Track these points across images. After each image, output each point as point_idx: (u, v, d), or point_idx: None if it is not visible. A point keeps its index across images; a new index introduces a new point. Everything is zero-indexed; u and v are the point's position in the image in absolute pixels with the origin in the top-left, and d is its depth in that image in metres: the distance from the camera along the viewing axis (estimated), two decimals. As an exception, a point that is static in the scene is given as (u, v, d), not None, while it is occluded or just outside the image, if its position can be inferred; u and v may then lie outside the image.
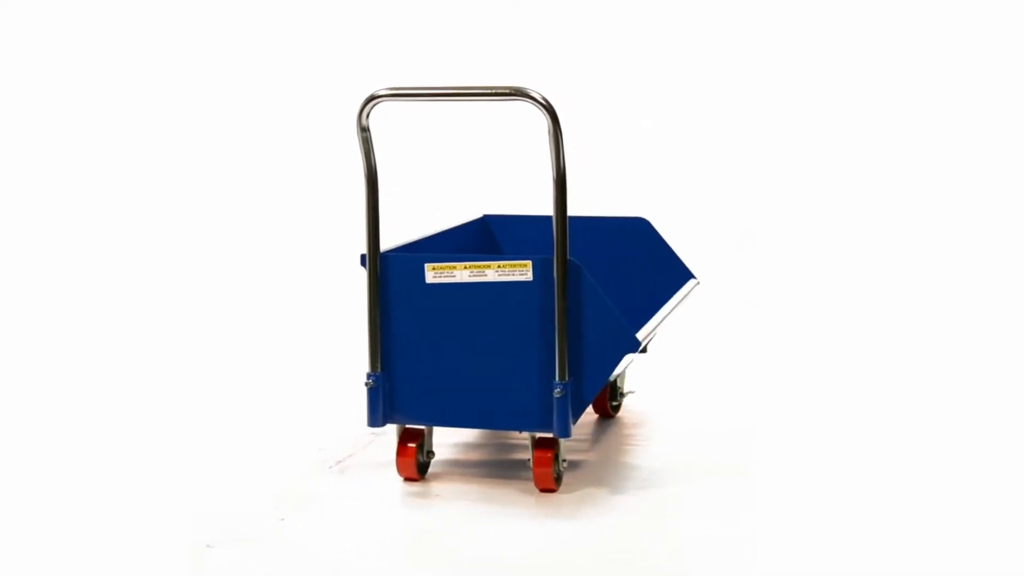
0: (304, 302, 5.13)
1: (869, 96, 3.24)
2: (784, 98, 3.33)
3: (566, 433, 3.09)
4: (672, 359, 4.19)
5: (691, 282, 3.75)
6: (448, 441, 3.57)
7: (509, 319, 3.10)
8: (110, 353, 3.05)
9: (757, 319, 4.33)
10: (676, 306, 3.50)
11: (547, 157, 3.05)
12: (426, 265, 3.14)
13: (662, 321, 3.35)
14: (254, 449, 3.61)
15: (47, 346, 2.94)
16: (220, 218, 5.61)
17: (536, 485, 3.19)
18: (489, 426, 3.28)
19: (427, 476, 3.32)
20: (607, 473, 3.36)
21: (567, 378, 3.05)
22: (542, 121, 2.99)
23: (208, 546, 2.90)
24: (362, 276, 3.19)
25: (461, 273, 3.12)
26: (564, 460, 3.23)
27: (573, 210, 3.91)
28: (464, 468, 3.40)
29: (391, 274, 3.16)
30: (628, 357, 3.70)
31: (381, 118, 5.08)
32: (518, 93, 2.98)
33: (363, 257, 3.18)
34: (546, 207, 3.88)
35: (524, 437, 3.45)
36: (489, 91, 3.07)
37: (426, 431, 3.30)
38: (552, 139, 2.98)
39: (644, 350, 3.84)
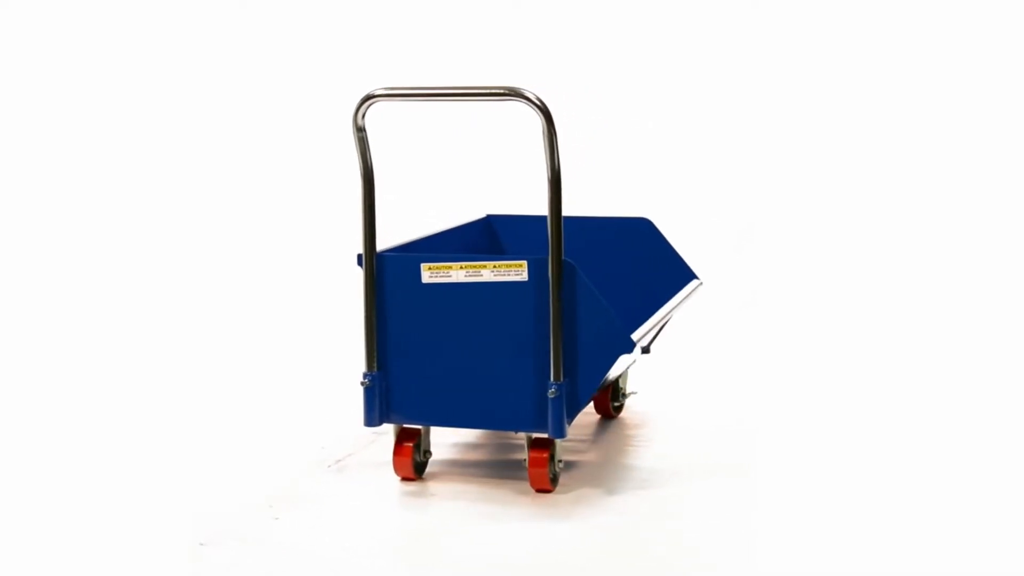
0: (305, 302, 5.13)
1: (870, 96, 3.22)
2: (785, 98, 3.32)
3: (561, 434, 3.09)
4: (674, 359, 4.18)
5: (693, 283, 3.73)
6: (447, 441, 3.57)
7: (505, 319, 3.10)
8: (108, 353, 3.06)
9: (759, 319, 4.32)
10: (675, 307, 3.49)
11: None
12: (422, 265, 3.14)
13: (659, 322, 3.34)
14: (254, 448, 3.62)
15: (45, 345, 2.95)
16: (217, 218, 5.62)
17: (532, 485, 3.19)
18: (485, 426, 3.28)
19: (424, 476, 3.33)
20: (607, 473, 3.35)
21: (562, 379, 3.05)
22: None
23: (201, 544, 2.91)
24: (360, 276, 3.20)
25: (457, 273, 3.12)
26: (560, 461, 3.23)
27: (576, 210, 3.92)
28: (462, 468, 3.40)
29: (387, 274, 3.17)
30: (630, 357, 3.70)
31: (387, 118, 5.10)
32: (513, 93, 2.98)
33: (360, 257, 3.19)
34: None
35: (522, 437, 3.44)
36: (484, 91, 3.08)
37: (423, 431, 3.30)
38: (546, 139, 2.98)
39: (647, 350, 3.83)
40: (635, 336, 3.09)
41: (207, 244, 5.34)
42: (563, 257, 3.03)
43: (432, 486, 3.27)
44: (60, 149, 2.94)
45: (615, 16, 5.69)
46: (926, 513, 2.85)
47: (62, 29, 2.96)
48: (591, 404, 3.84)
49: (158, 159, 3.11)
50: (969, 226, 3.26)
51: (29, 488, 3.08)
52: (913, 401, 3.32)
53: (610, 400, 3.80)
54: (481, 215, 4.01)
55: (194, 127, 5.27)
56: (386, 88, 3.10)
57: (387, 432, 3.47)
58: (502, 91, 3.00)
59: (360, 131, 3.14)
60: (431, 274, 3.13)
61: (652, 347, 3.85)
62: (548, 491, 3.18)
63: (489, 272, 3.10)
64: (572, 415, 3.11)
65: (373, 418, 3.20)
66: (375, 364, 3.19)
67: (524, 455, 3.20)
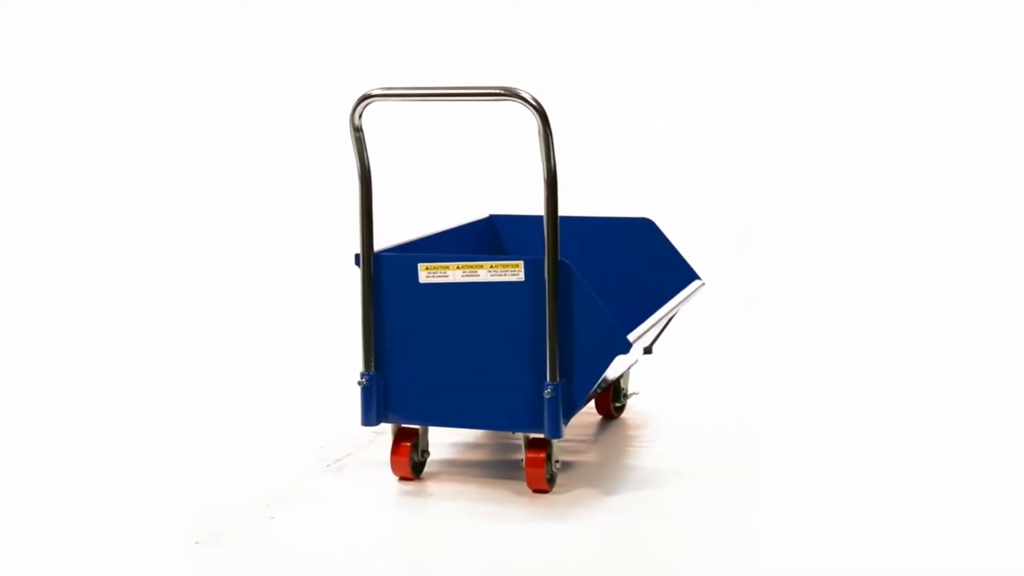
0: (305, 301, 5.14)
1: (871, 96, 3.20)
2: (787, 97, 3.30)
3: (557, 434, 3.09)
4: (676, 360, 4.17)
5: (695, 283, 3.73)
6: (445, 441, 3.57)
7: (501, 319, 3.10)
8: (107, 352, 3.07)
9: (760, 319, 4.31)
10: (674, 308, 3.48)
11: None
12: (419, 265, 3.15)
13: (656, 322, 3.34)
14: (253, 447, 3.63)
15: (43, 344, 2.96)
16: (215, 218, 5.64)
17: (528, 486, 3.19)
18: (481, 426, 3.28)
19: (423, 476, 3.33)
20: (607, 474, 3.35)
21: (558, 379, 3.05)
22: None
23: (197, 543, 2.92)
24: (358, 276, 3.21)
25: (454, 273, 3.12)
26: (557, 461, 3.22)
27: (579, 210, 3.91)
28: (460, 468, 3.41)
29: (384, 274, 3.17)
30: (630, 358, 3.69)
31: (395, 118, 5.11)
32: (508, 93, 2.98)
33: (357, 256, 3.19)
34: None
35: (520, 437, 3.44)
36: (480, 91, 3.08)
37: (421, 431, 3.31)
38: (542, 139, 2.98)
39: (649, 351, 3.83)
40: (631, 336, 3.09)
41: (205, 244, 5.36)
42: (559, 257, 3.03)
43: (430, 486, 3.28)
44: (58, 149, 2.96)
45: (619, 16, 5.69)
46: (927, 513, 2.84)
47: (60, 29, 2.97)
48: (592, 405, 3.84)
49: (155, 159, 3.12)
50: (970, 226, 3.25)
51: (28, 486, 3.09)
52: (915, 401, 3.31)
53: (611, 400, 3.79)
54: (484, 215, 4.01)
55: (191, 127, 5.29)
56: (383, 88, 3.11)
57: (387, 432, 3.48)
58: (498, 91, 3.00)
59: (357, 131, 3.15)
60: (428, 274, 3.14)
61: (654, 347, 3.85)
62: (545, 491, 3.18)
63: (486, 272, 3.10)
64: (568, 416, 3.11)
65: (370, 418, 3.20)
66: (372, 364, 3.19)
67: (522, 455, 3.20)
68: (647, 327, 3.24)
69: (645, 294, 3.71)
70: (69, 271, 3.03)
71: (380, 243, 3.32)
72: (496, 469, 3.39)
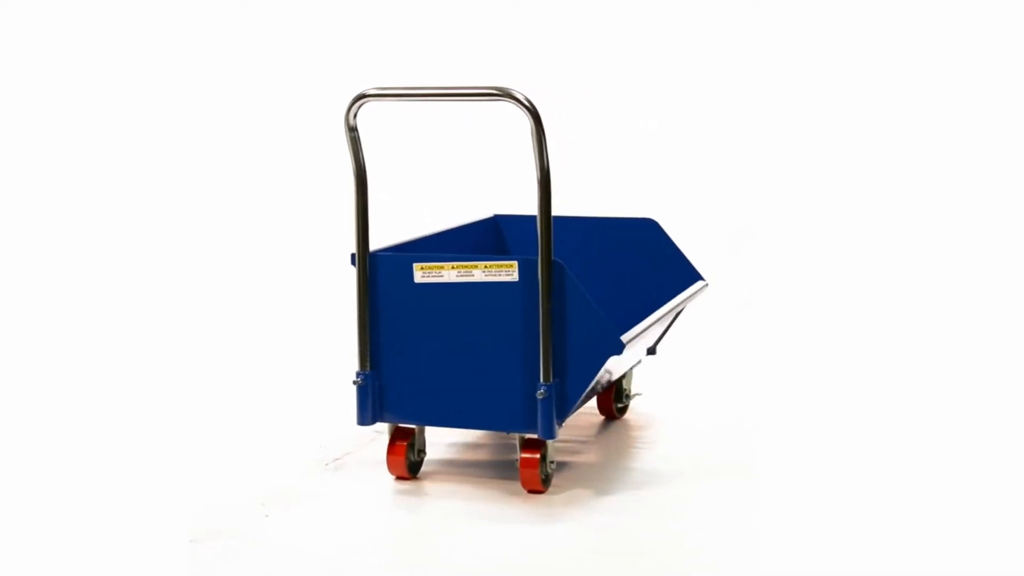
0: (305, 301, 5.15)
1: (870, 96, 3.19)
2: (788, 97, 3.29)
3: (550, 435, 3.08)
4: (678, 360, 4.16)
5: (698, 283, 3.71)
6: (443, 441, 3.57)
7: (495, 320, 3.10)
8: (105, 352, 3.09)
9: (762, 319, 4.29)
10: (673, 309, 3.47)
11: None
12: (414, 265, 3.15)
13: (654, 323, 3.33)
14: (252, 446, 3.64)
15: (40, 343, 2.98)
16: (219, 217, 5.66)
17: (523, 486, 3.18)
18: (476, 426, 3.28)
19: (420, 475, 3.33)
20: (608, 474, 3.34)
21: (551, 379, 3.04)
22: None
23: (191, 541, 2.93)
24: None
25: (449, 273, 3.12)
26: (552, 462, 3.22)
27: (582, 211, 3.91)
28: (458, 468, 3.41)
29: (380, 273, 3.18)
30: (633, 358, 3.68)
31: (400, 118, 5.11)
32: (502, 94, 2.98)
33: (353, 256, 3.20)
34: (560, 207, 3.88)
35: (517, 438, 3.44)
36: (474, 92, 3.08)
37: (417, 430, 3.31)
38: (535, 139, 2.98)
39: (653, 351, 3.82)
40: (626, 337, 3.08)
41: (202, 244, 5.37)
42: (553, 257, 3.03)
43: (426, 485, 3.28)
44: (55, 148, 2.98)
45: (623, 16, 5.68)
46: (929, 514, 2.82)
47: (57, 28, 2.99)
48: (595, 405, 3.83)
49: (150, 158, 3.13)
50: (970, 226, 3.22)
51: (25, 485, 3.11)
52: (916, 401, 3.29)
53: (613, 401, 3.78)
54: (488, 215, 4.01)
55: (186, 127, 5.31)
56: (378, 88, 3.12)
57: (387, 431, 3.48)
58: (491, 92, 3.00)
59: (352, 131, 3.15)
60: (423, 274, 3.14)
61: (658, 348, 3.84)
62: (539, 492, 3.18)
63: (480, 272, 3.10)
64: (562, 416, 3.11)
65: (366, 417, 3.21)
66: (368, 363, 3.20)
67: (519, 455, 3.20)
68: (642, 328, 3.23)
69: (648, 295, 3.70)
70: (67, 271, 3.05)
71: (384, 242, 3.33)
72: (494, 469, 3.39)
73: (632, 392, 3.87)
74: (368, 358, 3.19)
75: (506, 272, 3.07)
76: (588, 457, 3.51)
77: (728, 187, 5.45)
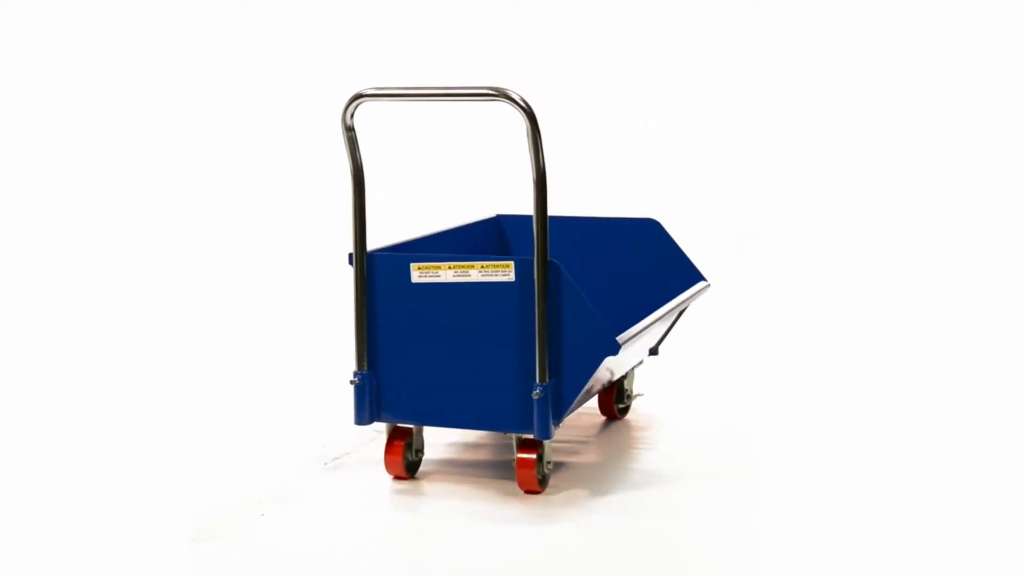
0: (305, 301, 5.16)
1: (873, 96, 3.17)
2: (792, 97, 3.28)
3: (546, 435, 3.08)
4: (680, 361, 4.15)
5: (700, 284, 3.70)
6: (442, 441, 3.57)
7: (492, 320, 3.10)
8: (103, 351, 3.10)
9: (764, 320, 4.28)
10: (672, 310, 3.46)
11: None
12: (411, 265, 3.15)
13: (651, 324, 3.32)
14: (251, 446, 3.65)
15: (38, 343, 2.99)
16: (226, 217, 5.67)
17: (520, 487, 3.18)
18: (473, 426, 3.28)
19: (418, 475, 3.33)
20: (609, 475, 3.34)
21: (547, 380, 3.04)
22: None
23: (194, 540, 2.94)
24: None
25: (445, 273, 3.13)
26: (549, 462, 3.22)
27: (584, 211, 3.90)
28: (456, 468, 3.41)
29: (377, 273, 3.18)
30: (635, 359, 3.68)
31: (405, 118, 5.11)
32: (498, 94, 2.98)
33: (351, 256, 3.20)
34: (561, 207, 3.88)
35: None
36: (470, 92, 3.08)
37: (415, 430, 3.31)
38: (530, 139, 2.98)
39: (655, 352, 3.81)
40: (622, 338, 3.07)
41: (200, 244, 5.38)
42: (549, 258, 3.02)
43: (424, 485, 3.28)
44: (53, 148, 2.99)
45: (627, 17, 5.67)
46: (931, 514, 2.81)
47: (56, 28, 3.00)
48: (596, 406, 3.82)
49: (147, 158, 3.14)
50: (972, 227, 3.21)
51: (23, 484, 3.12)
52: (919, 402, 3.27)
53: (615, 402, 3.78)
54: (491, 215, 4.01)
55: (184, 126, 5.32)
56: (375, 88, 3.12)
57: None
58: (487, 92, 3.00)
59: (349, 130, 3.16)
60: (420, 274, 3.14)
61: (659, 349, 3.83)
62: (536, 492, 3.17)
63: (477, 272, 3.10)
64: (559, 417, 3.10)
65: (363, 417, 3.21)
66: (365, 363, 3.20)
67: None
68: (640, 328, 3.23)
69: (650, 295, 3.69)
70: (64, 270, 3.06)
71: (386, 242, 3.33)
72: (493, 469, 3.39)
73: (634, 393, 3.86)
74: (365, 358, 3.20)
75: (502, 272, 3.07)
76: (589, 457, 3.50)
77: (731, 187, 5.44)
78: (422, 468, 3.36)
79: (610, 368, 3.35)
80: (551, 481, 3.25)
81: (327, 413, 3.83)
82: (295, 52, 5.89)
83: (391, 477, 3.31)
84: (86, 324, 2.92)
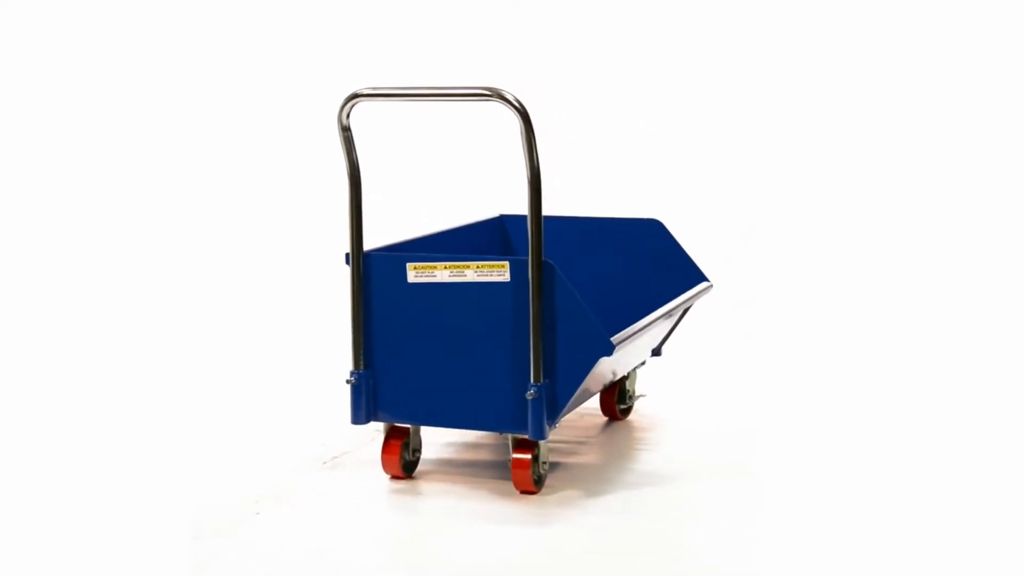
0: (304, 300, 5.17)
1: (874, 96, 3.16)
2: (793, 97, 3.27)
3: (541, 435, 3.08)
4: (682, 361, 4.14)
5: (702, 284, 3.69)
6: (440, 440, 3.57)
7: (487, 320, 3.10)
8: (103, 353, 3.12)
9: (765, 319, 4.27)
10: (673, 309, 3.45)
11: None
12: (408, 264, 3.15)
13: (650, 324, 3.31)
14: (250, 445, 3.65)
15: (36, 343, 3.01)
16: (230, 217, 5.68)
17: (515, 487, 3.18)
18: (469, 426, 3.28)
19: (415, 475, 3.33)
20: (608, 475, 3.33)
21: (541, 380, 3.04)
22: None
23: (195, 538, 2.95)
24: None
25: (441, 273, 3.13)
26: (545, 462, 3.21)
27: (586, 211, 3.90)
28: (454, 467, 3.41)
29: (373, 273, 3.19)
30: (636, 359, 3.67)
31: (409, 118, 5.10)
32: (492, 94, 2.98)
33: (347, 256, 3.21)
34: (563, 207, 3.88)
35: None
36: (464, 92, 3.08)
37: (412, 430, 3.31)
38: (524, 140, 2.97)
39: (658, 352, 3.80)
40: (617, 338, 3.07)
41: (197, 243, 5.40)
42: (543, 258, 3.02)
43: (421, 485, 3.28)
44: (50, 147, 3.00)
45: (629, 17, 5.66)
46: (932, 514, 2.80)
47: (56, 28, 3.02)
48: (598, 407, 3.82)
49: (144, 158, 3.16)
50: (972, 227, 3.19)
51: (25, 483, 3.14)
52: (921, 403, 3.26)
53: (616, 402, 3.77)
54: (495, 214, 4.01)
55: (180, 126, 5.33)
56: (370, 88, 3.12)
57: (388, 430, 3.49)
58: (482, 92, 3.00)
59: (345, 130, 3.16)
60: (416, 274, 3.15)
61: (663, 349, 3.82)
62: (532, 492, 3.17)
63: (472, 272, 3.10)
64: (553, 417, 3.10)
65: (360, 416, 3.22)
66: (362, 363, 3.21)
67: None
68: (637, 328, 3.22)
69: (653, 295, 3.68)
70: (62, 270, 3.08)
71: (387, 242, 3.33)
72: (490, 469, 3.39)
73: (636, 393, 3.85)
74: (362, 357, 3.20)
75: (498, 272, 3.07)
76: (590, 458, 3.49)
77: (733, 188, 5.42)
78: (419, 468, 3.36)
79: (612, 368, 3.35)
80: (553, 481, 3.25)
81: (324, 413, 3.83)
82: (292, 52, 5.90)
83: (388, 477, 3.31)
84: (86, 324, 2.94)
